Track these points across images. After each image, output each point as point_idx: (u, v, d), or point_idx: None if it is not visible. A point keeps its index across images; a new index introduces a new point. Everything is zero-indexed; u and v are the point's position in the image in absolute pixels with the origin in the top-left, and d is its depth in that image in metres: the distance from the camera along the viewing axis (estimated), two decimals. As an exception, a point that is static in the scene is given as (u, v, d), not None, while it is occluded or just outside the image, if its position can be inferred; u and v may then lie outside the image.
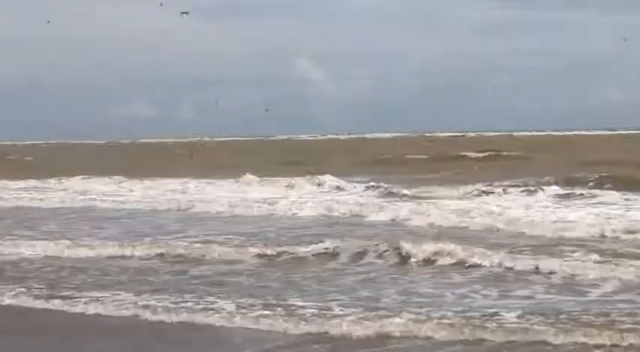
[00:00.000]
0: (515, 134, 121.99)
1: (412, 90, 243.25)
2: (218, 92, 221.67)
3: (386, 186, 33.09)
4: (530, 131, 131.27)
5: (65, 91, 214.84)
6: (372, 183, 34.29)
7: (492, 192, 29.93)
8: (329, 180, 35.86)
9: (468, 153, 60.80)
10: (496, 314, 12.48)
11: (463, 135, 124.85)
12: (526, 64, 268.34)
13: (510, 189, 30.30)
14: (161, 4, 40.52)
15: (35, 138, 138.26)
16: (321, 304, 13.41)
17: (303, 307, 13.26)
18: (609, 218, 21.33)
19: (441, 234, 20.09)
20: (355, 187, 34.18)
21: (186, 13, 42.74)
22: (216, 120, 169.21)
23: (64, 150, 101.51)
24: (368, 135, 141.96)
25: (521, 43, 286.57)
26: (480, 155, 59.52)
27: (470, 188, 31.04)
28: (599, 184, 31.49)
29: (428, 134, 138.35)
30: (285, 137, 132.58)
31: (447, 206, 25.27)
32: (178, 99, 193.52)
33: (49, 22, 75.57)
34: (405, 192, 30.89)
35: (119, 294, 14.58)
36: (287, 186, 35.39)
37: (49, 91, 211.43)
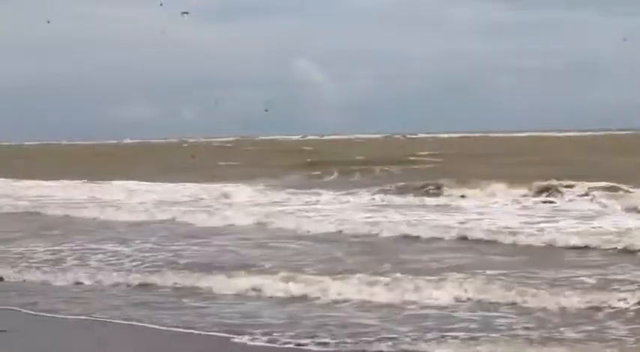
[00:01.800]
0: (507, 135, 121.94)
1: (412, 91, 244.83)
2: (218, 93, 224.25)
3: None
4: (529, 132, 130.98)
5: (64, 91, 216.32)
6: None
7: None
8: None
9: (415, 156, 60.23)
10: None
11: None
12: (526, 65, 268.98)
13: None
14: (161, 4, 41.19)
15: (34, 139, 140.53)
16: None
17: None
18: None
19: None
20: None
21: (186, 13, 43.82)
22: (215, 120, 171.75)
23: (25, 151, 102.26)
24: (359, 135, 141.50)
25: (521, 44, 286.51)
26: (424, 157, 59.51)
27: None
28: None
29: (409, 135, 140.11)
30: (270, 138, 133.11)
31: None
32: (178, 100, 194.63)
33: (49, 22, 75.92)
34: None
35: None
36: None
37: (49, 91, 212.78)
